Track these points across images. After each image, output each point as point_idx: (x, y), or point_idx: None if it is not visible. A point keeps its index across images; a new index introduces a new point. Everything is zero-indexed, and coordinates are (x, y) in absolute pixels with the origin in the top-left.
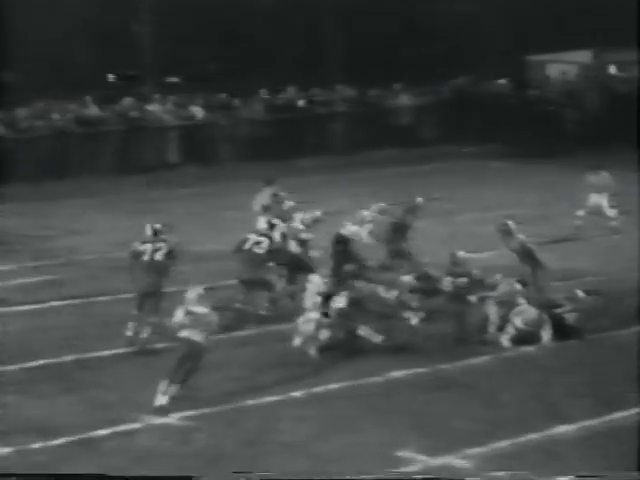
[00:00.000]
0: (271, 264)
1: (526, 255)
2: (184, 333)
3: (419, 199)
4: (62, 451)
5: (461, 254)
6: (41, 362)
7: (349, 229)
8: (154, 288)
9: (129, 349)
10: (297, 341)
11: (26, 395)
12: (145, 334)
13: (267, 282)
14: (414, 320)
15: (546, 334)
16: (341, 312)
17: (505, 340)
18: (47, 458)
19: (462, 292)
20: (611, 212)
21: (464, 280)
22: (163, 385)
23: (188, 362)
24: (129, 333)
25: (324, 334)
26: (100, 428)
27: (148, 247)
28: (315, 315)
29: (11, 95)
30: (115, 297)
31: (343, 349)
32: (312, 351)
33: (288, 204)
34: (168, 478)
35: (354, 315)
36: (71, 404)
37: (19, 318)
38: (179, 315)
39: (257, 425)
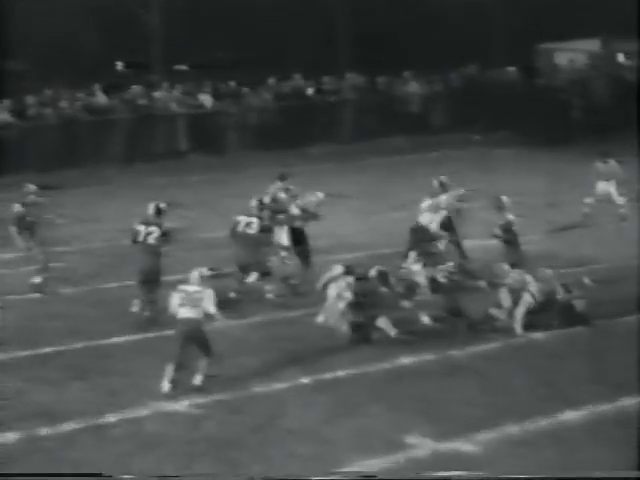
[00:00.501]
0: (265, 247)
1: (509, 235)
2: (180, 313)
3: (442, 177)
4: (70, 437)
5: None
6: (50, 349)
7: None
8: (150, 270)
9: (138, 336)
10: (321, 318)
11: (35, 381)
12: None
13: (263, 264)
14: (425, 319)
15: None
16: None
17: (518, 323)
18: (55, 444)
19: (456, 279)
20: (620, 200)
21: (451, 265)
22: (169, 371)
23: (190, 342)
24: (134, 309)
25: (349, 315)
26: (108, 414)
27: (142, 229)
28: (348, 294)
29: (19, 83)
30: (124, 284)
31: (356, 336)
32: (344, 327)
33: (294, 192)
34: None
35: (363, 303)
36: (80, 390)
37: (29, 305)
38: (174, 296)
39: (265, 411)
